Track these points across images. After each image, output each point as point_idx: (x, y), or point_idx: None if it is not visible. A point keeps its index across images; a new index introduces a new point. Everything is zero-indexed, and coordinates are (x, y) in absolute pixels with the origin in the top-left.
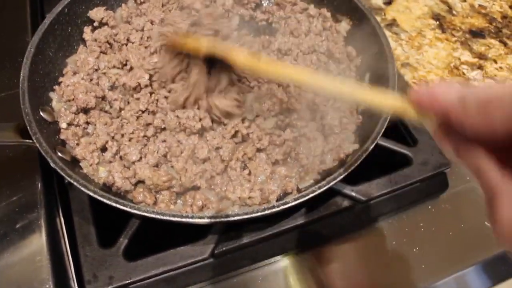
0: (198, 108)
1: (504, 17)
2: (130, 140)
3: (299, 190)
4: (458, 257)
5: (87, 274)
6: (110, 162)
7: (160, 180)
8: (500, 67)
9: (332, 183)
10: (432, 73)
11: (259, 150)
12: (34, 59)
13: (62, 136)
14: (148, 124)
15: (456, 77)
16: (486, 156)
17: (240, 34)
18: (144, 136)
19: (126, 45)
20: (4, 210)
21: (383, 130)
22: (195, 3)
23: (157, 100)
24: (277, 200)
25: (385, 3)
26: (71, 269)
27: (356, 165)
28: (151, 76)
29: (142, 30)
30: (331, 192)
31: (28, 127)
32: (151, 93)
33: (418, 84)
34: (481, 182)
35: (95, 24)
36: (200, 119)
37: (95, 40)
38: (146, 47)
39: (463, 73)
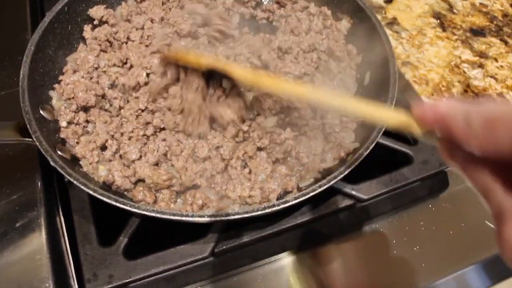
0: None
1: (505, 15)
2: (130, 138)
3: (299, 189)
4: (458, 256)
5: (87, 273)
6: (110, 160)
7: (160, 178)
8: (501, 66)
9: (332, 182)
10: (432, 71)
11: (259, 148)
12: (34, 58)
13: (62, 135)
14: (147, 123)
15: (456, 75)
16: (493, 175)
17: (240, 33)
18: (144, 135)
19: (126, 43)
20: (4, 208)
21: (383, 129)
22: (197, 7)
23: (156, 100)
24: (277, 199)
25: (385, 2)
26: (71, 268)
27: (356, 163)
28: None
29: (142, 28)
30: (332, 191)
31: (28, 126)
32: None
33: (420, 101)
34: (488, 201)
35: (95, 22)
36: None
37: (95, 38)
38: (146, 46)
39: (464, 72)
